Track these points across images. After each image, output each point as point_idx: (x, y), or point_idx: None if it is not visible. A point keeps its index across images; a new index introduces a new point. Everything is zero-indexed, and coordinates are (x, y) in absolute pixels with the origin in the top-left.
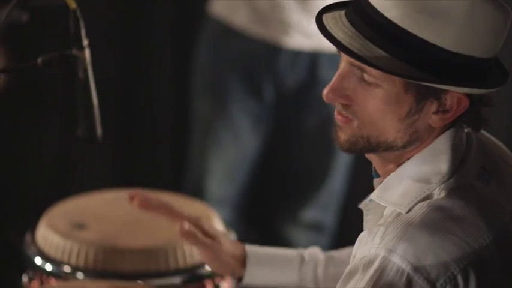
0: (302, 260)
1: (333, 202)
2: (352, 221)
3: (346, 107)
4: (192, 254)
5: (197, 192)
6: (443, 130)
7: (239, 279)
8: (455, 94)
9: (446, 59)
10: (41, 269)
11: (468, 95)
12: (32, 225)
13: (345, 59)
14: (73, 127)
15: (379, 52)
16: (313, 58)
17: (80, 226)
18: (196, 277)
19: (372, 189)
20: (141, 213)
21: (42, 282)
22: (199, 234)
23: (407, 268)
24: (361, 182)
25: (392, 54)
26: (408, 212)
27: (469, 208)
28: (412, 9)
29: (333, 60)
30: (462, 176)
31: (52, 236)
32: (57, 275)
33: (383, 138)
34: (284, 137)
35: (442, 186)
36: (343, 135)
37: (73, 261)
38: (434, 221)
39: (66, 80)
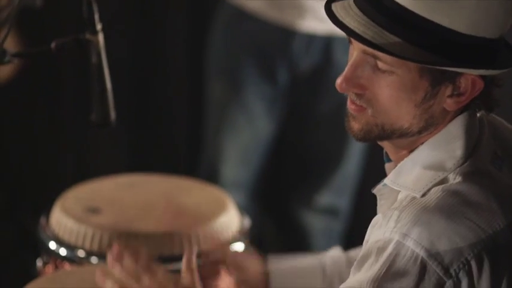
0: (324, 267)
1: (347, 186)
2: (367, 205)
3: (360, 96)
4: (206, 238)
5: (212, 176)
6: (456, 114)
7: None
8: (470, 76)
9: (460, 41)
10: (55, 254)
11: (482, 77)
12: (47, 210)
13: (357, 47)
14: (88, 111)
15: (392, 38)
16: (328, 42)
17: (94, 210)
18: (210, 262)
19: (385, 175)
20: (155, 197)
21: (56, 267)
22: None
23: (421, 253)
24: (376, 166)
25: (406, 39)
26: (423, 196)
27: (484, 193)
28: None
29: (348, 44)
30: (477, 161)
31: (66, 221)
32: (71, 259)
33: (398, 125)
34: (298, 121)
35: (457, 170)
36: (356, 125)
37: (87, 245)
38: (449, 206)
39: (82, 64)
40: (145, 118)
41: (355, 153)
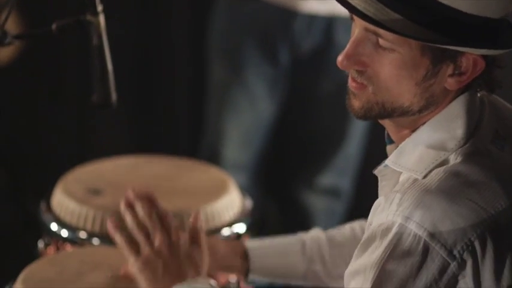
0: (303, 244)
1: (349, 167)
2: (369, 186)
3: (361, 73)
4: (208, 220)
5: (213, 157)
6: (457, 94)
7: (245, 275)
8: (471, 56)
9: (462, 20)
10: (56, 235)
11: (483, 57)
12: (48, 192)
13: (359, 24)
14: (89, 93)
15: (394, 16)
16: (329, 22)
17: (96, 192)
18: None
19: (386, 155)
20: (157, 178)
21: (58, 248)
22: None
23: (424, 235)
24: (378, 147)
25: (408, 17)
26: (424, 177)
27: (486, 173)
28: None
29: (349, 25)
30: (478, 141)
31: (68, 202)
32: (73, 240)
33: (398, 104)
34: (300, 102)
35: (458, 151)
36: (357, 102)
37: (89, 227)
38: (451, 187)
39: (83, 45)
40: (146, 99)
41: (356, 134)
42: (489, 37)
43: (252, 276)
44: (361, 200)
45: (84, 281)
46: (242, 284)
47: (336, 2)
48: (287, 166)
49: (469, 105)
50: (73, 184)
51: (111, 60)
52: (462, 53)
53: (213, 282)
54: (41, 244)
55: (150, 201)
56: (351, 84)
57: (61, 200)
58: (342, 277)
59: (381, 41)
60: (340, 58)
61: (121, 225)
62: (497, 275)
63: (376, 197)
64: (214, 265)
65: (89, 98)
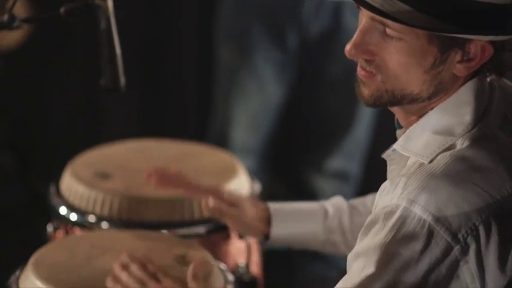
0: (326, 211)
1: (357, 151)
2: (378, 170)
3: (369, 62)
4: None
5: (221, 141)
6: (466, 79)
7: (266, 238)
8: (479, 42)
9: (468, 8)
10: (65, 219)
11: (492, 42)
12: (57, 175)
13: (366, 14)
14: (98, 77)
15: (400, 6)
16: (337, 6)
17: (105, 176)
18: (220, 227)
19: (395, 139)
20: (166, 162)
21: (67, 232)
22: (224, 206)
23: (429, 219)
24: (387, 131)
25: (414, 7)
26: (431, 162)
27: (492, 158)
28: None
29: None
30: (485, 126)
31: (77, 186)
32: (82, 224)
33: (408, 91)
34: (308, 86)
35: (466, 136)
36: (366, 91)
37: (98, 210)
38: (457, 172)
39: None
40: (154, 83)
41: (365, 118)
42: (496, 23)
43: (271, 241)
44: (369, 184)
45: (95, 265)
46: (251, 267)
47: None
48: (295, 150)
49: (477, 90)
50: (82, 168)
51: (120, 43)
52: (470, 40)
53: (222, 265)
54: (50, 228)
55: (143, 264)
56: (359, 72)
57: (70, 183)
58: None
59: (388, 30)
60: (348, 47)
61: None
62: (502, 261)
63: (385, 180)
64: (239, 225)
65: (98, 82)
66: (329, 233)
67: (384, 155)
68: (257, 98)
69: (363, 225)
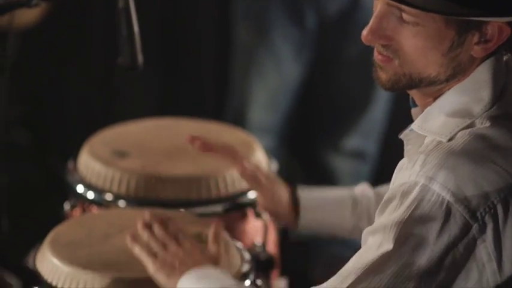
0: (355, 200)
1: (374, 130)
2: (395, 148)
3: (386, 46)
4: (234, 182)
5: (239, 120)
6: (483, 59)
7: (294, 226)
8: (496, 23)
9: None
10: (82, 197)
11: (509, 23)
12: (74, 154)
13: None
14: (116, 55)
15: None
16: None
17: (122, 154)
18: (237, 205)
19: (412, 118)
20: (183, 141)
21: (84, 210)
22: (261, 176)
23: (448, 197)
24: (403, 110)
25: None
26: (450, 140)
27: (511, 137)
28: None
29: None
30: (504, 105)
31: (94, 164)
32: (99, 202)
33: (426, 74)
34: (326, 65)
35: (484, 115)
36: (384, 75)
37: (115, 189)
38: (476, 150)
39: (109, 7)
40: (172, 62)
41: (382, 97)
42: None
43: (299, 228)
44: (386, 163)
45: (112, 243)
46: (268, 246)
47: None
48: (312, 129)
49: (495, 69)
50: (99, 146)
51: (137, 22)
52: (487, 22)
53: (239, 244)
54: (67, 206)
55: (165, 223)
56: (376, 57)
57: (87, 162)
58: None
59: (404, 15)
60: (364, 33)
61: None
62: None
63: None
64: (269, 201)
65: (115, 61)
66: (357, 220)
67: (401, 135)
68: (274, 77)
69: None
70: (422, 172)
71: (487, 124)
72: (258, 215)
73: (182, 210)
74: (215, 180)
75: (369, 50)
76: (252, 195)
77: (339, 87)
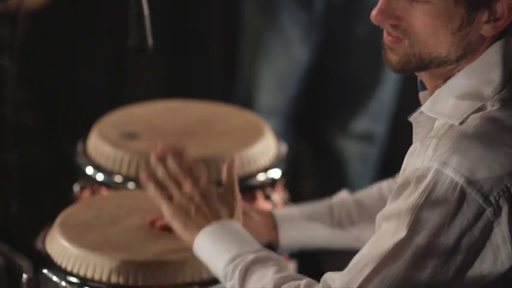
0: (332, 211)
1: (383, 112)
2: (404, 131)
3: (395, 27)
4: (243, 164)
5: (247, 102)
6: (493, 40)
7: (276, 245)
8: (506, 1)
9: None
10: (92, 179)
11: None
12: (84, 135)
13: None
14: (126, 37)
15: None
16: None
17: (131, 136)
18: (247, 187)
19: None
20: (193, 123)
21: (93, 192)
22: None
23: (461, 181)
24: (412, 92)
25: None
26: (461, 124)
27: None
28: None
29: None
30: None
31: (103, 146)
32: (108, 184)
33: (436, 54)
34: (334, 47)
35: (495, 97)
36: (394, 56)
37: (124, 171)
38: (488, 133)
39: None
40: (181, 44)
41: (390, 79)
42: None
43: (282, 246)
44: (395, 145)
45: (121, 225)
46: None
47: None
48: (321, 111)
49: (504, 51)
50: (108, 128)
51: (147, 4)
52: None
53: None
54: (76, 188)
55: (180, 154)
56: (386, 38)
57: (96, 143)
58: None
59: None
60: (373, 13)
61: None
62: None
63: (411, 142)
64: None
65: (124, 43)
66: (338, 229)
67: (411, 118)
68: (283, 59)
69: (371, 218)
70: (435, 157)
71: (498, 106)
72: (267, 197)
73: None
74: (224, 163)
75: (378, 31)
76: (261, 177)
77: (348, 69)
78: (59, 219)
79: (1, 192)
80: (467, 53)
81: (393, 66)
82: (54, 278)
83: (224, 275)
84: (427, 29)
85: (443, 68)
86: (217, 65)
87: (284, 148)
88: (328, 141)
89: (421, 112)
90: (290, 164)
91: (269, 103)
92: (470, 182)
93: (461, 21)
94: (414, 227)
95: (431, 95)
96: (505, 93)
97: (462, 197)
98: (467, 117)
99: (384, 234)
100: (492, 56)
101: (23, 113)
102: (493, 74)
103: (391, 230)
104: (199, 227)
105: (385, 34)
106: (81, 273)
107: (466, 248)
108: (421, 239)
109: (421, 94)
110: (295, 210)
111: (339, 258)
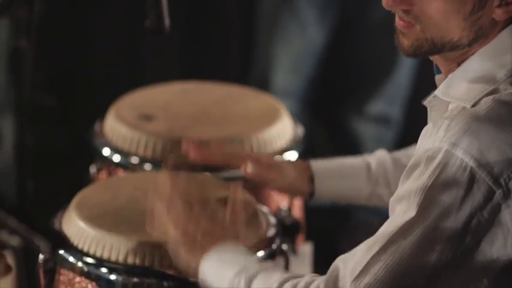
0: (368, 166)
1: (399, 95)
2: (419, 114)
3: (407, 12)
4: (260, 146)
5: (263, 84)
6: (506, 24)
7: (310, 196)
8: None
9: None
10: (108, 160)
11: None
12: (100, 117)
13: None
14: (142, 18)
15: None
16: None
17: (148, 117)
18: None
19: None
20: (209, 105)
21: (110, 173)
22: (263, 170)
23: (471, 162)
24: (428, 75)
25: None
26: (473, 106)
27: None
28: None
29: None
30: None
31: (120, 127)
32: (125, 166)
33: (448, 39)
34: (351, 28)
35: (508, 81)
36: (406, 41)
37: (141, 152)
38: (500, 116)
39: None
40: (197, 25)
41: (407, 62)
42: None
43: (316, 199)
44: (410, 128)
45: (137, 207)
46: (293, 211)
47: None
48: (337, 93)
49: None
50: (125, 109)
51: None
52: None
53: (265, 208)
54: (93, 169)
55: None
56: (398, 23)
57: (113, 125)
58: None
59: None
60: None
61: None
62: None
63: (426, 125)
64: (281, 187)
65: (142, 23)
66: (374, 186)
67: (425, 102)
68: (299, 41)
69: None
70: (446, 138)
71: (511, 90)
72: None
73: (208, 174)
74: (241, 144)
75: (393, 14)
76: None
77: (364, 51)
78: (75, 200)
79: (18, 173)
80: (479, 37)
81: (405, 50)
82: (71, 259)
83: (231, 286)
84: (438, 14)
85: (456, 52)
86: (234, 46)
87: (300, 130)
88: (344, 123)
89: (435, 96)
90: (306, 146)
91: (285, 85)
92: (480, 163)
93: (472, 6)
94: (424, 206)
95: (446, 78)
96: None
97: (472, 178)
98: (479, 100)
99: (396, 216)
100: (505, 39)
101: (40, 94)
102: (505, 58)
103: (402, 210)
104: (205, 251)
105: (397, 19)
106: (98, 254)
107: (475, 230)
108: (430, 219)
109: (437, 77)
110: (333, 162)
111: (354, 240)
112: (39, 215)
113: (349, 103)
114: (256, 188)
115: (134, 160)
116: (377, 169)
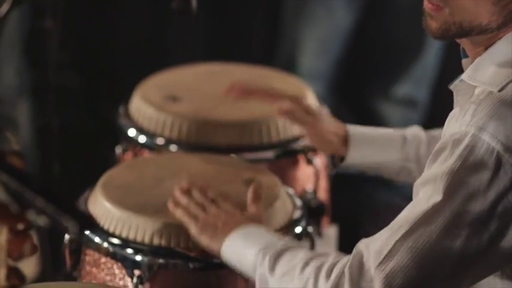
0: (404, 139)
1: (426, 77)
2: (446, 97)
3: None
4: (285, 128)
5: (290, 66)
6: None
7: (341, 159)
8: None
9: None
10: (134, 141)
11: None
12: (126, 98)
13: None
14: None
15: None
16: None
17: (174, 99)
18: (289, 152)
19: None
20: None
21: (135, 154)
22: (299, 111)
23: (498, 147)
24: (456, 58)
25: None
26: (500, 90)
27: None
28: None
29: None
30: None
31: (146, 108)
32: (150, 147)
33: (476, 23)
34: (378, 11)
35: None
36: (434, 24)
37: (166, 133)
38: None
39: None
40: (222, 7)
41: (434, 44)
42: None
43: (346, 164)
44: (437, 111)
45: (163, 187)
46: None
47: None
48: (363, 75)
49: None
50: (151, 90)
51: None
52: None
53: (290, 190)
54: (118, 150)
55: (203, 189)
56: (426, 6)
57: (139, 106)
58: None
59: None
60: None
61: None
62: None
63: (453, 108)
64: (315, 135)
65: (167, 4)
66: (405, 160)
67: (451, 86)
68: (326, 23)
69: None
70: (472, 122)
71: None
72: (309, 162)
73: (233, 155)
74: (267, 126)
75: None
76: (302, 142)
77: (391, 33)
78: (101, 181)
79: (44, 154)
80: (508, 21)
81: (433, 32)
82: (97, 239)
83: (254, 263)
84: None
85: (484, 36)
86: (260, 28)
87: (326, 112)
88: (370, 105)
89: (462, 80)
90: None
91: (311, 67)
92: (506, 147)
93: None
94: (450, 191)
95: (473, 62)
96: None
97: (498, 163)
98: (506, 85)
99: (420, 199)
100: None
101: (66, 75)
102: None
103: (427, 194)
104: (227, 235)
105: (425, 1)
106: (124, 235)
107: (501, 214)
108: (457, 202)
109: (464, 61)
110: (370, 129)
111: (379, 222)
112: (65, 196)
113: (375, 86)
114: (281, 170)
115: (160, 141)
116: (411, 143)
